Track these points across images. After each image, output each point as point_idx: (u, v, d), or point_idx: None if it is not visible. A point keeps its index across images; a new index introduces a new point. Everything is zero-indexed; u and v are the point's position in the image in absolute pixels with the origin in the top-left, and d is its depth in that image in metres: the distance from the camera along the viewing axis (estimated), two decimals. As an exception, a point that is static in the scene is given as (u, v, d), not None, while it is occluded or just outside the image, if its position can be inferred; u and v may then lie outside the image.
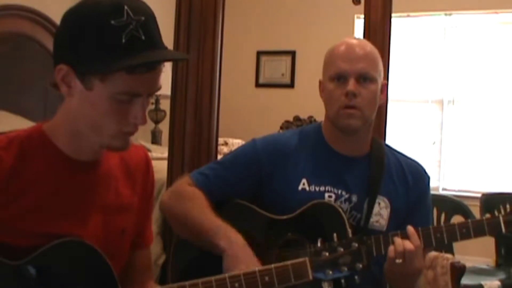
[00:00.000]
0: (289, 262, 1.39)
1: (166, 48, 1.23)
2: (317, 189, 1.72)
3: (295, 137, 1.82)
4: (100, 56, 1.14)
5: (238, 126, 5.23)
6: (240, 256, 1.51)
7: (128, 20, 1.14)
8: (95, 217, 1.30)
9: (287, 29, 5.78)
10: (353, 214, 1.72)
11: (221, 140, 3.35)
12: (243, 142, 2.10)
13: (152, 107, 4.87)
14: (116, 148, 1.27)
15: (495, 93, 5.22)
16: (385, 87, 1.79)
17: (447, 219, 3.69)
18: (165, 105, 4.02)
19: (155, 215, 2.47)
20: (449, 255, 1.97)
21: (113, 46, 1.14)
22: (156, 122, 4.93)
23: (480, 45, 5.27)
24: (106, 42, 1.14)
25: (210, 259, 1.67)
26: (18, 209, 1.19)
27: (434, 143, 5.43)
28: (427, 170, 1.85)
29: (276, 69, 5.91)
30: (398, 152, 1.86)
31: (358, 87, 1.68)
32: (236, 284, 1.33)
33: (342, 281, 1.41)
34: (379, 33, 2.89)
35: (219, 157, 2.12)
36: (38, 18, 3.68)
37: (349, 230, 1.57)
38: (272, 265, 1.39)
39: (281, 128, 4.91)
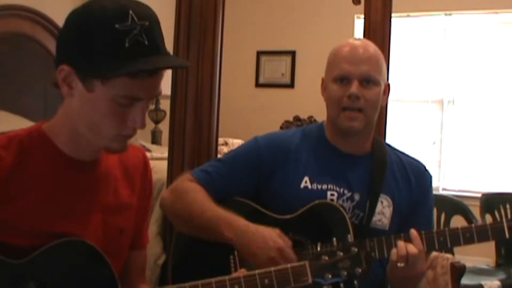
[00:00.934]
0: (288, 265, 1.39)
1: (168, 54, 1.22)
2: (319, 187, 1.71)
3: (298, 135, 1.82)
4: (103, 59, 1.14)
5: (238, 126, 5.23)
6: (248, 243, 1.54)
7: (133, 25, 1.14)
8: (95, 216, 1.30)
9: (287, 29, 5.78)
10: (355, 212, 1.71)
11: (221, 140, 3.35)
12: (243, 142, 2.10)
13: (152, 107, 4.87)
14: (114, 150, 1.27)
15: (495, 93, 5.22)
16: (387, 88, 1.79)
17: (447, 219, 3.69)
18: (165, 105, 4.02)
19: (155, 215, 2.48)
20: (449, 255, 1.96)
21: (116, 50, 1.13)
22: (156, 122, 4.93)
23: (480, 45, 5.26)
24: (109, 45, 1.14)
25: (210, 259, 1.67)
26: (18, 208, 1.19)
27: (434, 143, 5.43)
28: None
29: (276, 69, 5.91)
30: (400, 151, 1.86)
31: (361, 90, 1.68)
32: (236, 286, 1.33)
33: (341, 285, 1.41)
34: (379, 33, 2.90)
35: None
36: (38, 18, 3.67)
37: (351, 232, 1.57)
38: (272, 268, 1.39)
39: (281, 128, 4.89)
